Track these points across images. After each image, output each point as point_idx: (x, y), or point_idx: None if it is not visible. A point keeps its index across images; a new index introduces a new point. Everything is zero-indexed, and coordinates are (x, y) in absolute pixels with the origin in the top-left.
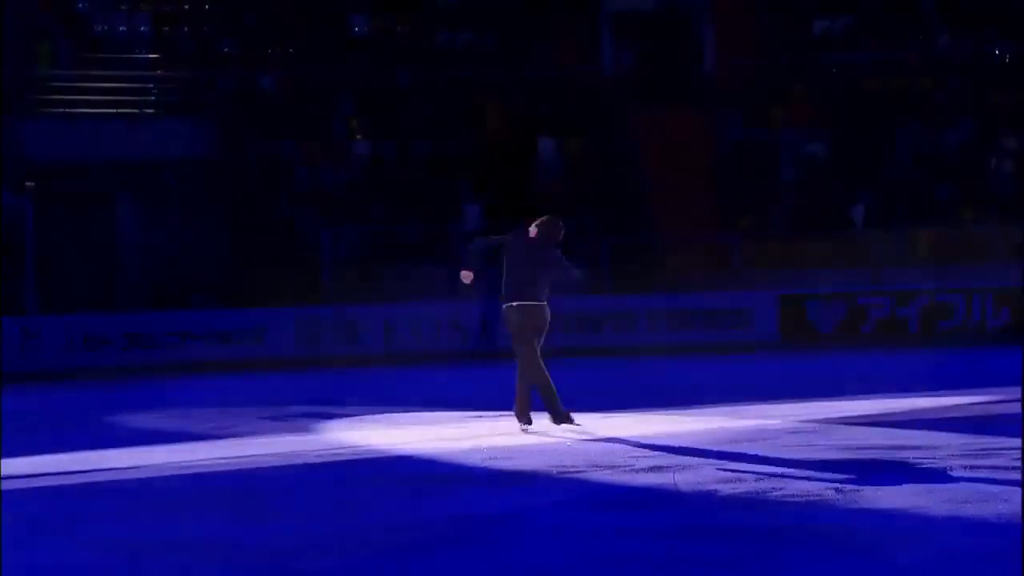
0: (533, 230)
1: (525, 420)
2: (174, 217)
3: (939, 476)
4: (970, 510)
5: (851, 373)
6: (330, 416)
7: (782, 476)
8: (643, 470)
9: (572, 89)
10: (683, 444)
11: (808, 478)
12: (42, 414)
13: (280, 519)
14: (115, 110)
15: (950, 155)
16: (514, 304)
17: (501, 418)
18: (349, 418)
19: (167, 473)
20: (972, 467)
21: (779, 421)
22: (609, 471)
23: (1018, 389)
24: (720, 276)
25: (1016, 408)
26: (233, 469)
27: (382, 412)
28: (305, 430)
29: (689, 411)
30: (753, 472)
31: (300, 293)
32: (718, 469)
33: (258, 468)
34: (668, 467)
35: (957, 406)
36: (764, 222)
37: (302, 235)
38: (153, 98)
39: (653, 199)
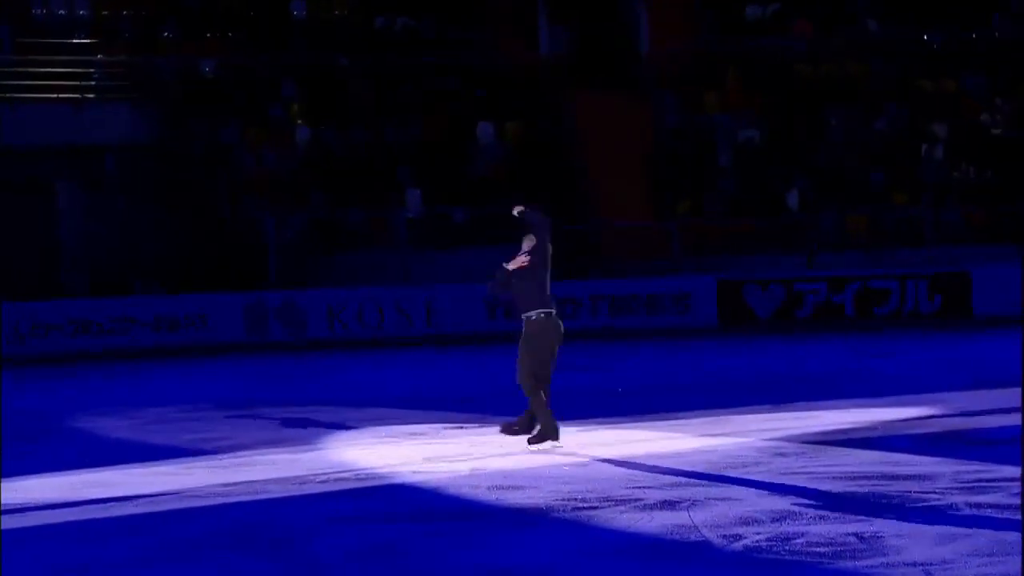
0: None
1: (555, 435)
2: (116, 203)
3: (951, 517)
4: (1000, 567)
5: (802, 372)
6: (306, 422)
7: (796, 515)
8: (656, 507)
9: (509, 73)
10: (682, 469)
11: (823, 518)
12: None
13: (321, 568)
14: (56, 95)
15: (881, 141)
16: (553, 314)
17: (482, 428)
18: (332, 430)
19: (171, 506)
20: (977, 504)
21: (758, 439)
22: (623, 508)
23: (970, 394)
24: (659, 262)
25: (987, 423)
26: (243, 500)
27: (357, 413)
28: (292, 442)
29: (665, 421)
30: (766, 511)
31: (245, 279)
32: (729, 505)
33: (271, 500)
34: (680, 502)
35: (926, 419)
36: (701, 207)
37: (246, 221)
38: (94, 83)
39: (591, 184)
